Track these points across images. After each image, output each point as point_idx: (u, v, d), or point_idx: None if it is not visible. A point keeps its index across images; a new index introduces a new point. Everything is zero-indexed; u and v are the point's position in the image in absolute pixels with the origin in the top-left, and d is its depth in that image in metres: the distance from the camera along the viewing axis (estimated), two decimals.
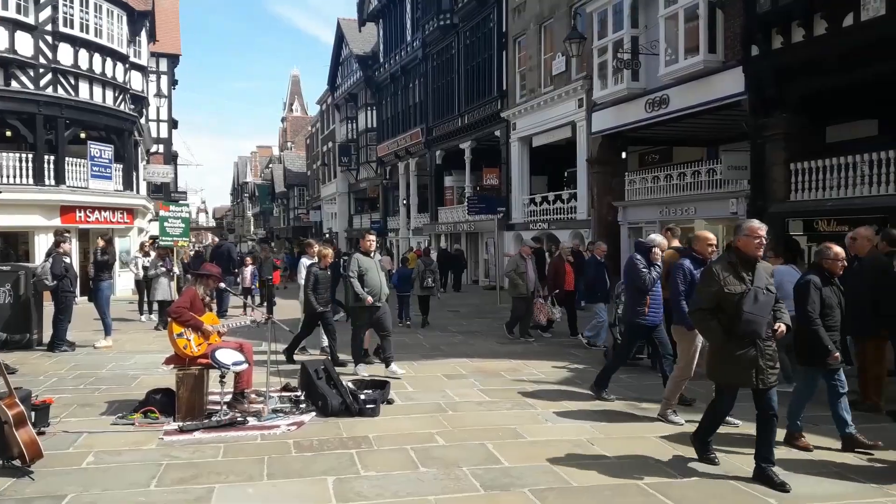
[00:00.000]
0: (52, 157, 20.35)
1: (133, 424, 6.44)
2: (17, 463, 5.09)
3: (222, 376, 6.43)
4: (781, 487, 4.77)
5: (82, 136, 22.02)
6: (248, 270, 17.47)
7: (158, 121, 34.02)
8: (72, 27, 20.55)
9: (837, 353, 5.51)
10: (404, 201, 33.53)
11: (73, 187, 20.78)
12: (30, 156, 19.96)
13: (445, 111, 28.17)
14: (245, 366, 6.80)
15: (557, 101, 20.28)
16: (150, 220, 28.14)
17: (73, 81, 20.81)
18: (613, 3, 16.64)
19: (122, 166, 23.09)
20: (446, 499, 4.68)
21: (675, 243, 8.30)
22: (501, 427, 6.37)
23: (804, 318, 5.56)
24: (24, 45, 19.55)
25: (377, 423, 6.52)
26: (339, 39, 42.32)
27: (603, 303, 10.98)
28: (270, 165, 75.86)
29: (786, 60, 12.34)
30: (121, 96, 23.20)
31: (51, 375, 8.94)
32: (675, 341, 6.71)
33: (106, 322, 11.68)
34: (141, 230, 26.01)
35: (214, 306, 7.89)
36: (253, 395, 7.21)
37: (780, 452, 5.25)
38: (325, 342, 10.20)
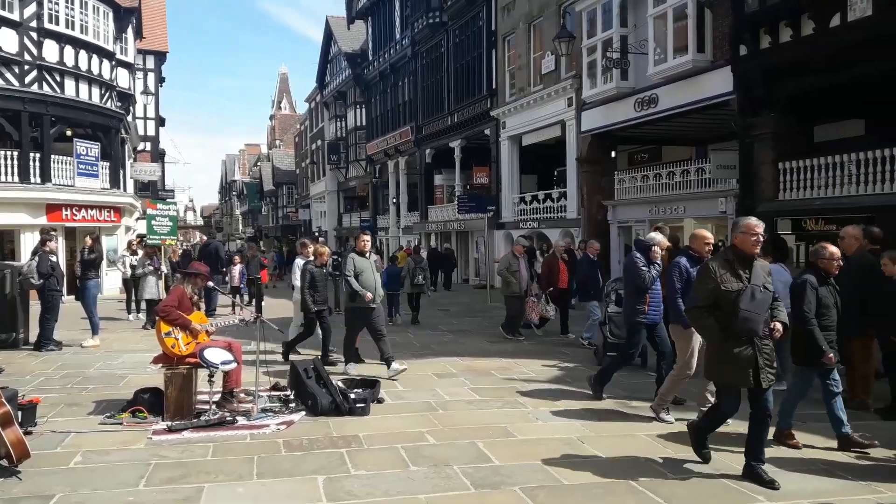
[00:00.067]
0: (38, 155, 20.17)
1: (121, 424, 6.40)
2: (3, 463, 5.03)
3: (211, 375, 6.39)
4: (771, 485, 4.79)
5: (68, 133, 21.85)
6: (237, 269, 17.38)
7: (146, 118, 33.82)
8: (57, 24, 20.37)
9: (832, 354, 5.50)
10: (394, 200, 33.48)
11: (60, 185, 20.60)
12: (15, 153, 19.77)
13: (435, 109, 28.15)
14: (234, 365, 6.77)
15: (547, 100, 20.31)
16: (138, 219, 27.97)
17: (58, 78, 20.64)
18: (602, 2, 16.66)
19: (108, 164, 22.92)
20: (437, 497, 4.67)
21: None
22: (492, 426, 6.37)
23: (800, 318, 5.56)
24: (9, 41, 19.36)
25: (367, 423, 6.50)
26: (328, 37, 42.18)
27: (596, 301, 11.01)
28: (259, 163, 75.54)
29: (774, 60, 12.41)
30: (107, 93, 23.02)
31: (37, 375, 8.86)
32: (674, 340, 6.72)
33: (93, 321, 11.59)
34: (128, 228, 25.84)
35: (203, 305, 7.84)
36: (242, 395, 7.17)
37: (770, 450, 5.27)
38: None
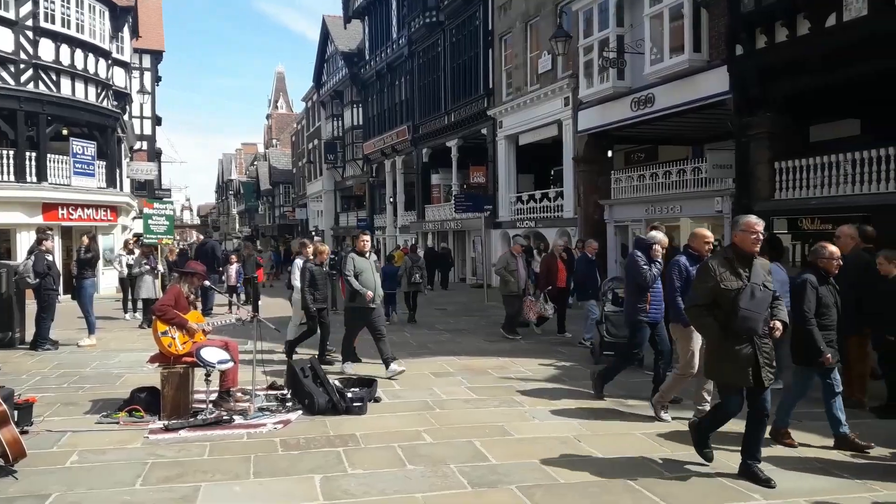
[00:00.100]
0: (34, 154, 20.10)
1: (118, 423, 6.39)
2: (0, 462, 5.02)
3: (208, 374, 6.39)
4: (767, 483, 4.80)
5: (64, 132, 21.77)
6: (233, 268, 17.35)
7: (142, 117, 33.76)
8: (53, 23, 20.31)
9: (829, 355, 5.48)
10: (391, 199, 33.45)
11: (56, 184, 20.55)
12: (11, 152, 19.69)
13: (432, 109, 28.14)
14: (230, 364, 6.76)
15: (543, 100, 20.31)
16: (134, 218, 27.91)
17: (54, 77, 20.57)
18: (599, 2, 16.69)
19: (105, 163, 22.88)
20: (434, 496, 4.68)
21: None
22: (489, 424, 6.38)
23: (800, 318, 5.54)
24: (5, 40, 19.28)
25: (364, 421, 6.50)
26: (325, 36, 42.14)
27: (594, 300, 11.02)
28: (255, 163, 75.40)
29: (770, 60, 12.43)
30: (103, 93, 22.97)
31: (34, 374, 8.84)
32: (674, 339, 6.72)
33: (89, 320, 11.57)
34: (125, 228, 25.77)
35: (199, 304, 7.83)
36: (239, 394, 7.16)
37: (766, 449, 5.28)
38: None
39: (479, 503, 4.61)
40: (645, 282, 7.02)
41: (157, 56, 34.13)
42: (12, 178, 19.58)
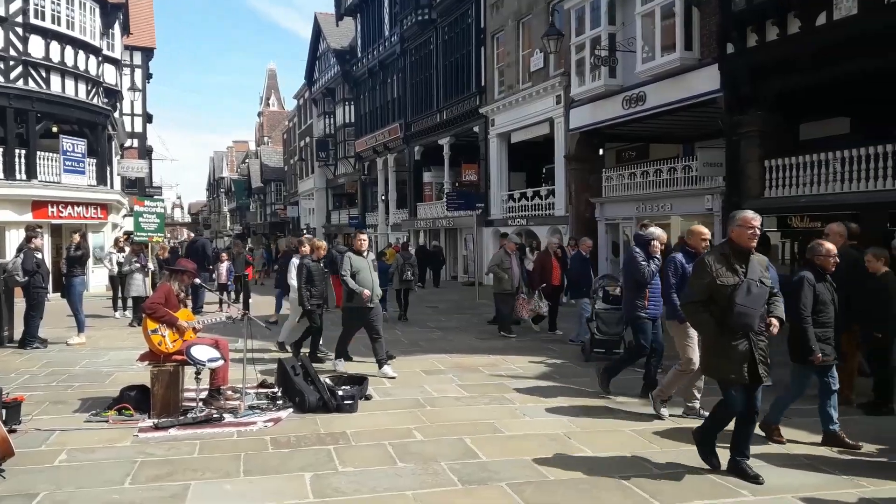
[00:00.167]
0: (24, 152, 20.00)
1: (107, 422, 6.35)
2: None
3: (198, 373, 6.37)
4: (755, 480, 4.82)
5: (54, 129, 21.65)
6: (224, 266, 17.29)
7: (133, 115, 33.62)
8: (43, 19, 20.20)
9: (819, 354, 5.48)
10: (383, 197, 33.44)
11: (45, 182, 20.44)
12: (0, 150, 19.57)
13: (424, 107, 28.13)
14: (221, 362, 6.74)
15: (535, 98, 20.34)
16: (125, 216, 27.78)
17: (44, 74, 20.46)
18: (591, 0, 16.71)
19: (95, 161, 22.77)
20: (424, 493, 4.68)
21: None
22: (479, 422, 6.38)
23: (796, 316, 5.54)
24: None
25: (355, 419, 6.50)
26: (317, 34, 42.03)
27: (588, 298, 11.03)
28: (247, 160, 75.17)
29: (760, 58, 12.49)
30: (94, 90, 22.85)
31: (22, 372, 8.78)
32: (672, 336, 6.73)
33: (79, 318, 11.50)
34: (115, 225, 25.65)
35: (189, 302, 7.80)
36: (229, 392, 7.14)
37: (755, 445, 5.30)
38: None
39: (470, 501, 4.61)
40: (643, 278, 7.03)
41: (147, 53, 34.01)
42: (1, 175, 19.49)
